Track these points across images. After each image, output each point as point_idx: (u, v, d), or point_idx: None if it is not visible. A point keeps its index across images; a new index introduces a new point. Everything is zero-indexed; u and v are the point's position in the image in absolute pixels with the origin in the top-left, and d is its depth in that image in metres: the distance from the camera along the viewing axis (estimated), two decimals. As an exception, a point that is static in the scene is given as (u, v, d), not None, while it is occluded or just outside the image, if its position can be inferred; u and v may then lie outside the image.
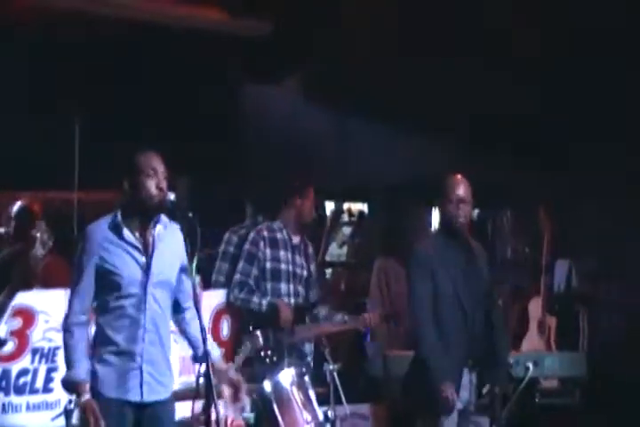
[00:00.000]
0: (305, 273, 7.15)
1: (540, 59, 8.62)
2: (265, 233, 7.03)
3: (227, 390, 5.35)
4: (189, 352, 6.16)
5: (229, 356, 7.09)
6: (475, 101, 8.98)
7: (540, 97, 8.75)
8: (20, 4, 7.73)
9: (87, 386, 4.95)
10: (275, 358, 6.29)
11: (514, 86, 8.75)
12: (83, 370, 4.97)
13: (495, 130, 9.03)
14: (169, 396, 5.17)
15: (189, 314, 5.26)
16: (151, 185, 5.03)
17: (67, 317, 5.04)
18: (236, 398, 5.40)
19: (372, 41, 8.97)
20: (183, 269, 5.18)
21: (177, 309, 5.26)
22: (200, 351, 5.17)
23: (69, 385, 5.01)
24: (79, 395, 4.95)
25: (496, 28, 8.54)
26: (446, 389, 5.78)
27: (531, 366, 6.58)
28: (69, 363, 4.99)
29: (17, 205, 7.18)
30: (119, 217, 5.08)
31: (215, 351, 5.34)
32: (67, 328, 5.02)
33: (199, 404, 5.48)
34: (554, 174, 8.86)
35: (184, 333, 5.33)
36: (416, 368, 6.03)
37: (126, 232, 5.06)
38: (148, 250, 5.09)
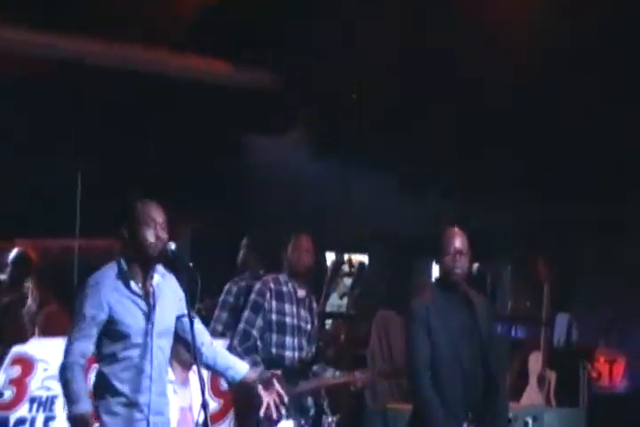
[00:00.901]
0: (309, 327, 7.12)
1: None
2: (271, 285, 6.99)
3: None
4: (188, 402, 6.13)
5: (226, 408, 7.07)
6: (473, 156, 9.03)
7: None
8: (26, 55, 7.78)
9: (92, 420, 4.89)
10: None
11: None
12: (86, 404, 4.90)
13: (497, 179, 9.04)
14: None
15: (212, 347, 5.24)
16: (150, 234, 5.01)
17: (66, 356, 4.96)
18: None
19: (373, 94, 9.01)
20: (181, 317, 5.15)
21: (200, 348, 5.19)
22: (232, 373, 5.18)
23: (77, 419, 4.91)
24: (88, 424, 4.90)
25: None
26: None
27: (530, 421, 6.59)
28: (71, 399, 4.91)
29: (14, 252, 7.17)
30: (124, 266, 5.06)
31: (241, 364, 5.28)
32: (67, 366, 4.94)
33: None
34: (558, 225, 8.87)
35: (209, 366, 5.25)
36: (415, 423, 5.93)
37: (132, 282, 5.05)
38: (149, 300, 5.07)
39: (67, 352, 4.98)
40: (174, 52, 8.34)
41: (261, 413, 5.21)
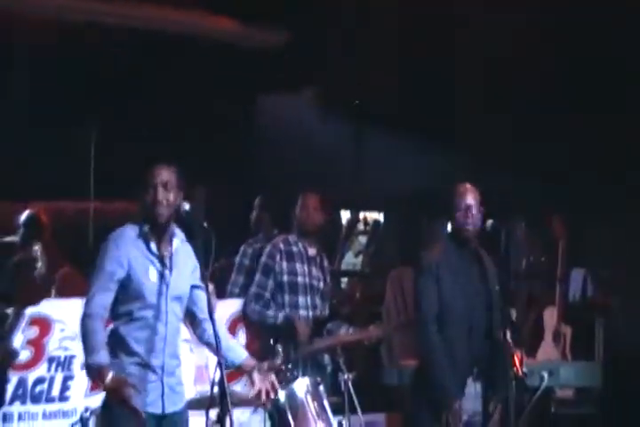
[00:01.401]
0: (321, 285, 7.18)
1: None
2: (281, 246, 7.07)
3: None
4: (204, 361, 6.17)
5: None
6: (489, 111, 8.99)
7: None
8: (34, 19, 7.76)
9: (109, 370, 4.92)
10: (295, 373, 6.28)
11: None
12: (104, 355, 4.95)
13: (511, 141, 9.01)
14: (184, 405, 5.24)
15: (208, 324, 5.27)
16: (162, 197, 5.05)
17: (88, 308, 5.00)
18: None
19: (387, 55, 8.97)
20: (195, 287, 5.25)
21: (194, 321, 5.32)
22: (232, 355, 5.29)
23: (92, 370, 4.98)
24: (102, 379, 4.93)
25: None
26: (452, 405, 5.75)
27: (546, 375, 6.54)
28: (90, 349, 4.96)
29: (25, 214, 7.21)
30: (145, 227, 5.11)
31: (242, 350, 5.40)
32: (88, 317, 4.98)
33: (214, 412, 5.54)
34: (570, 184, 8.85)
35: (207, 343, 5.35)
36: (418, 377, 6.01)
37: (152, 244, 5.10)
38: (165, 262, 5.13)
39: (88, 304, 5.03)
40: (188, 11, 8.32)
41: (252, 395, 5.37)
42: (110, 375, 4.90)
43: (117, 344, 5.06)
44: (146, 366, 5.05)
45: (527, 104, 8.82)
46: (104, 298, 5.02)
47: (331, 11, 8.74)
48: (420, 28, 8.75)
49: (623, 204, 8.49)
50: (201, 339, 5.36)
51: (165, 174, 5.10)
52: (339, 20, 8.81)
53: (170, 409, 5.10)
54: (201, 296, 5.25)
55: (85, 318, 4.99)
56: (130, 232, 5.11)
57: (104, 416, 5.06)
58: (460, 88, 9.05)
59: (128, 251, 5.05)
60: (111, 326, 5.11)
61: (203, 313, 5.27)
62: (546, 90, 8.74)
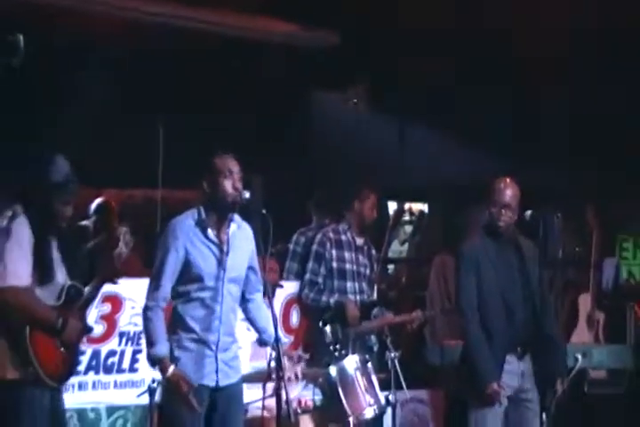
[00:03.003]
0: (368, 272, 7.37)
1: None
2: (331, 235, 7.25)
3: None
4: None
5: (298, 342, 7.37)
6: (528, 102, 9.08)
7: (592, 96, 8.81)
8: (107, 19, 7.98)
9: (169, 362, 5.15)
10: (343, 352, 6.45)
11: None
12: (164, 347, 5.17)
13: (550, 132, 9.11)
14: (239, 378, 5.42)
15: (254, 304, 5.50)
16: (228, 185, 5.23)
17: (150, 299, 5.21)
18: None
19: (430, 52, 9.08)
20: (250, 268, 5.41)
21: (243, 300, 5.48)
22: (266, 336, 5.47)
23: (153, 361, 5.21)
24: (163, 370, 5.16)
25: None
26: (490, 387, 5.85)
27: (580, 357, 6.59)
28: (151, 341, 5.19)
29: (96, 202, 7.50)
30: (203, 215, 5.26)
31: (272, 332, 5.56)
32: (148, 309, 5.19)
33: (270, 386, 5.80)
34: (603, 175, 8.95)
35: (250, 320, 5.57)
36: (466, 356, 6.09)
37: (209, 230, 5.25)
38: (223, 247, 5.28)
39: (150, 296, 5.22)
40: (248, 15, 8.53)
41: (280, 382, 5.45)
42: (172, 369, 5.12)
43: (176, 321, 5.24)
44: (202, 342, 5.20)
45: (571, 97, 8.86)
46: (164, 290, 5.20)
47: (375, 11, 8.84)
48: (462, 28, 8.84)
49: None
50: (247, 318, 5.57)
51: (236, 164, 5.29)
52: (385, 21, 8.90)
53: (224, 382, 5.27)
54: (251, 277, 5.43)
55: (147, 311, 5.19)
56: (188, 220, 5.24)
57: (167, 391, 5.25)
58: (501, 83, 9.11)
59: (186, 239, 5.18)
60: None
61: (250, 293, 5.46)
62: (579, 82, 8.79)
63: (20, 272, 4.93)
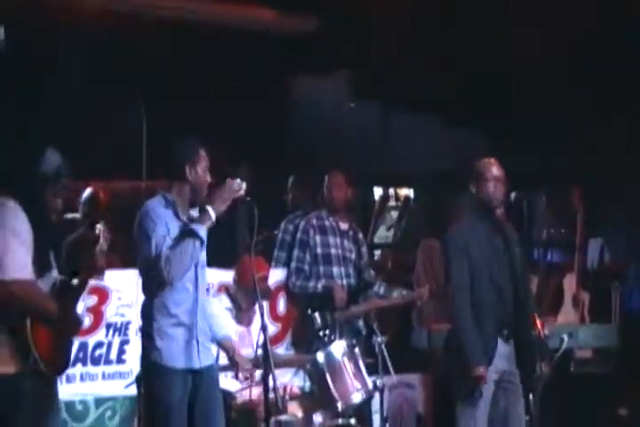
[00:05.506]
0: (354, 256, 7.27)
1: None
2: (314, 221, 7.18)
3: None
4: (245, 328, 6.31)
5: (284, 331, 7.28)
6: (511, 91, 9.00)
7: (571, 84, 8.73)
8: (88, 7, 7.85)
9: None
10: (332, 338, 6.41)
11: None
12: None
13: (530, 118, 9.02)
14: (214, 360, 5.48)
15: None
16: (201, 172, 5.21)
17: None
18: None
19: (413, 38, 8.98)
20: None
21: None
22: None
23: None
24: None
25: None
26: (477, 370, 5.80)
27: (565, 337, 6.56)
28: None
29: (86, 193, 7.37)
30: (169, 197, 5.21)
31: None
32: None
33: (258, 372, 5.73)
34: (586, 158, 8.87)
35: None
36: (451, 339, 6.06)
37: (180, 212, 5.20)
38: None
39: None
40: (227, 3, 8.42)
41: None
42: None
43: (154, 309, 5.18)
44: (182, 325, 5.17)
45: (549, 78, 8.75)
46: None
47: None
48: (449, 13, 8.72)
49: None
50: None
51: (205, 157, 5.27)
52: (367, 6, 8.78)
53: (205, 363, 5.26)
54: None
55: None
56: (157, 204, 5.20)
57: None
58: (484, 68, 9.01)
59: (163, 218, 5.14)
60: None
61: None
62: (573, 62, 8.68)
63: (24, 264, 4.78)
